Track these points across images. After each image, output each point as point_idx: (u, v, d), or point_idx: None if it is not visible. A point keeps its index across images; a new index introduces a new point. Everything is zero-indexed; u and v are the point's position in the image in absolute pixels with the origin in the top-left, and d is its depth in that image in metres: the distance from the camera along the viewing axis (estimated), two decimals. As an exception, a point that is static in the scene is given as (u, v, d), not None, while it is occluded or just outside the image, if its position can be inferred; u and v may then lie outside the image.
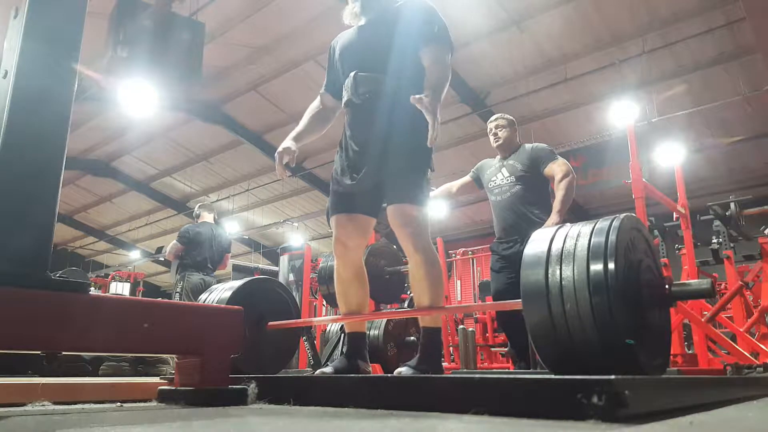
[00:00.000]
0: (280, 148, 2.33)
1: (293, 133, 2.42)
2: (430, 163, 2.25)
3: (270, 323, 2.47)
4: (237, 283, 2.51)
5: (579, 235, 1.52)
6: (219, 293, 2.49)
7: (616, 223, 1.50)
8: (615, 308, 1.38)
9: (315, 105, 2.50)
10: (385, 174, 2.18)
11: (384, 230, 3.61)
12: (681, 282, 1.67)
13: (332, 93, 2.45)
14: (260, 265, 10.32)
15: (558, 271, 1.47)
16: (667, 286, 1.62)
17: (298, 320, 2.57)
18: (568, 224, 1.60)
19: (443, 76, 2.14)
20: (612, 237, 1.45)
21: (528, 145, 3.62)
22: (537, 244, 1.58)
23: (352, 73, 2.24)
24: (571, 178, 3.29)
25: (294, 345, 2.77)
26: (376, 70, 2.21)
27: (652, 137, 8.85)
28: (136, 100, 7.63)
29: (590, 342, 1.40)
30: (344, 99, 2.29)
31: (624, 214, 1.56)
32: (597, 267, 1.42)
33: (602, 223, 1.52)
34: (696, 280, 1.65)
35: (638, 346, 1.42)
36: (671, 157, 8.58)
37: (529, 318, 1.51)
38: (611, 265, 1.41)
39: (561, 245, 1.52)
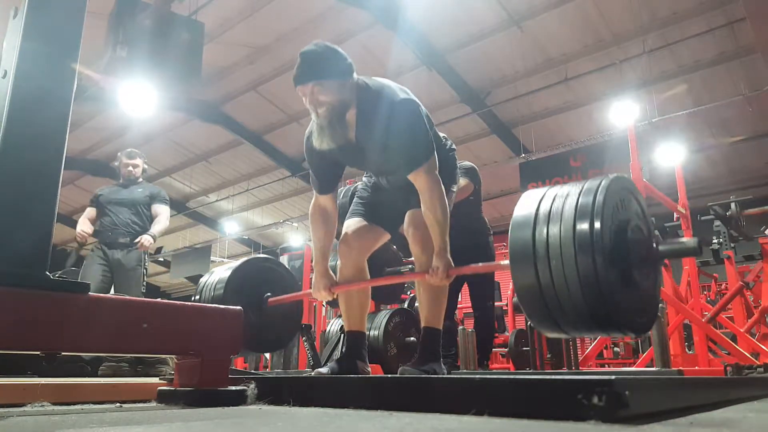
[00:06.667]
0: (319, 292, 2.28)
1: (319, 264, 2.30)
2: (455, 178, 2.40)
3: (271, 299, 2.48)
4: (236, 264, 2.53)
5: (567, 196, 1.53)
6: (219, 274, 2.52)
7: (605, 183, 1.50)
8: (600, 267, 1.39)
9: (315, 215, 2.33)
10: (406, 198, 2.27)
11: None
12: (669, 240, 1.67)
13: (329, 191, 2.31)
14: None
15: (545, 231, 1.48)
16: (654, 245, 1.63)
17: (298, 293, 2.58)
18: (558, 185, 1.61)
19: (443, 208, 2.07)
20: (600, 197, 1.46)
21: None
22: (526, 205, 1.59)
23: (381, 179, 2.39)
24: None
25: (297, 318, 2.77)
26: (391, 173, 2.29)
27: (652, 137, 8.85)
28: (135, 100, 7.62)
29: (575, 300, 1.42)
30: (374, 179, 2.44)
31: (614, 174, 1.57)
32: (583, 226, 1.43)
33: (591, 184, 1.52)
34: (684, 239, 1.65)
35: (624, 304, 1.42)
36: (671, 157, 8.58)
37: (516, 278, 1.52)
38: (597, 225, 1.42)
39: (549, 206, 1.53)
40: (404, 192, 2.27)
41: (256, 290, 2.50)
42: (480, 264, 2.26)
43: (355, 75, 2.10)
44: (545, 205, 1.53)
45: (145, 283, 4.42)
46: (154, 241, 4.41)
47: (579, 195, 1.50)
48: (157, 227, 4.46)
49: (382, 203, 2.40)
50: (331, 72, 2.01)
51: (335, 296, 2.33)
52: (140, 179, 4.57)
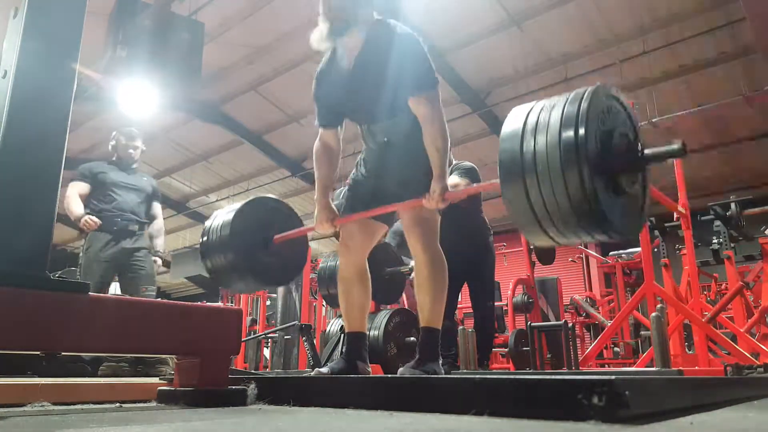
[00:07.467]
0: (322, 225, 2.32)
1: (320, 196, 2.37)
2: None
3: (276, 236, 2.51)
4: (238, 205, 2.57)
5: (554, 106, 1.55)
6: (223, 216, 2.55)
7: (590, 91, 1.52)
8: (586, 173, 1.41)
9: (319, 149, 2.42)
10: (401, 183, 2.26)
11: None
12: (655, 146, 1.69)
13: (331, 124, 2.39)
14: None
15: (532, 142, 1.51)
16: (641, 150, 1.64)
17: (302, 228, 2.60)
18: (547, 98, 1.63)
19: (443, 137, 2.14)
20: (584, 105, 1.48)
21: None
22: (514, 119, 1.61)
23: (365, 126, 2.34)
24: None
25: (303, 252, 2.79)
26: (382, 116, 2.27)
27: (652, 137, 8.84)
28: (135, 100, 7.61)
29: (562, 207, 1.45)
30: (365, 146, 2.41)
31: (600, 83, 1.59)
32: (568, 134, 1.45)
33: (576, 92, 1.54)
34: (670, 143, 1.67)
35: (611, 209, 1.46)
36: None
37: (506, 190, 1.54)
38: (582, 131, 1.43)
39: (536, 117, 1.55)
40: (397, 170, 2.27)
41: (262, 229, 2.54)
42: (474, 185, 2.29)
43: (375, 13, 2.23)
44: (532, 117, 1.56)
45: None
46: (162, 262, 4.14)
47: (565, 104, 1.52)
48: (160, 240, 4.20)
49: (375, 193, 2.34)
50: None
51: (337, 229, 2.36)
52: (136, 164, 4.21)
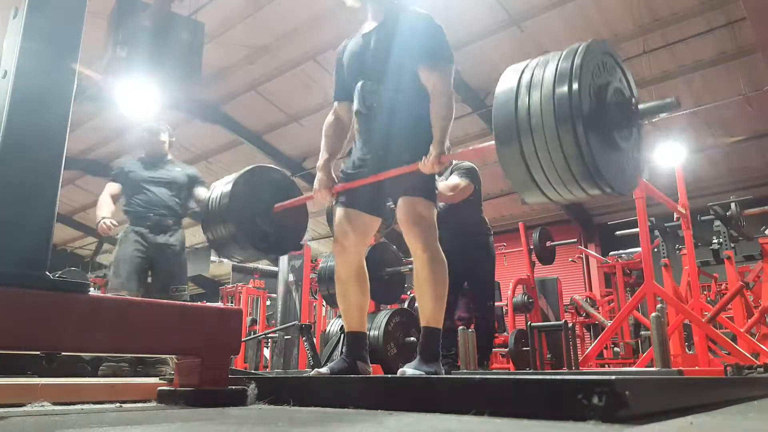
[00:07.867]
0: (320, 191, 2.35)
1: (322, 162, 2.40)
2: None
3: (276, 205, 2.52)
4: (234, 176, 2.58)
5: (548, 63, 1.55)
6: (221, 188, 2.56)
7: (583, 47, 1.52)
8: (579, 128, 1.41)
9: (330, 120, 2.49)
10: (399, 153, 2.24)
11: (384, 230, 3.61)
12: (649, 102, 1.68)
13: (344, 98, 2.46)
14: (259, 266, 10.29)
15: (527, 99, 1.51)
16: (635, 105, 1.64)
17: (302, 197, 2.60)
18: (542, 56, 1.63)
19: (448, 110, 2.17)
20: (578, 60, 1.48)
21: None
22: (509, 78, 1.61)
23: (359, 83, 2.32)
24: None
25: (303, 221, 2.78)
26: (381, 80, 2.27)
27: (652, 137, 8.84)
28: (135, 100, 7.61)
29: (556, 162, 1.45)
30: (354, 108, 2.37)
31: (593, 39, 1.59)
32: (562, 89, 1.45)
33: (570, 48, 1.55)
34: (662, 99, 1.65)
35: (604, 163, 1.45)
36: (671, 157, 8.57)
37: (500, 146, 1.54)
38: (575, 86, 1.44)
39: (530, 75, 1.56)
40: (395, 144, 2.25)
41: (261, 198, 2.55)
42: (471, 148, 2.31)
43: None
44: (527, 74, 1.57)
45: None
46: None
47: (559, 60, 1.52)
48: None
49: (374, 168, 2.28)
50: None
51: (335, 197, 2.37)
52: (168, 156, 4.20)
